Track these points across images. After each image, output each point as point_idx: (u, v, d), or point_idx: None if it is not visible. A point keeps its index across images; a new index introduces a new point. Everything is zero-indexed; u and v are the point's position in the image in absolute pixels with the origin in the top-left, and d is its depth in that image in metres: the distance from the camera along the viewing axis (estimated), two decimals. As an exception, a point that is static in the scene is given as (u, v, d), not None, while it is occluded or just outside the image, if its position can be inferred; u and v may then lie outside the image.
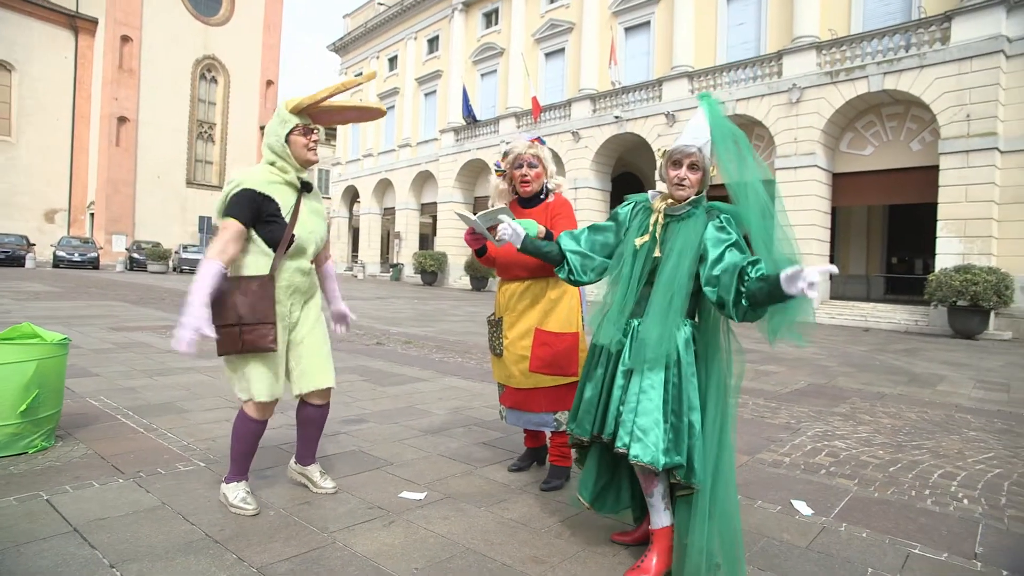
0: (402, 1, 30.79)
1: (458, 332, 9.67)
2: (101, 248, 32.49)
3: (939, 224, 13.37)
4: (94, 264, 28.72)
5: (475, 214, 2.47)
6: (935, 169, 13.55)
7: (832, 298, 16.30)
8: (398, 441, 3.60)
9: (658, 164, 2.20)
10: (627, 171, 23.17)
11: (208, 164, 43.83)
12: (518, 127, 23.83)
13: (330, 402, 2.75)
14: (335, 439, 3.56)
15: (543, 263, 2.76)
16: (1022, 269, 12.57)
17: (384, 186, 32.81)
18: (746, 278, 1.89)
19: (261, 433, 2.56)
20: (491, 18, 26.37)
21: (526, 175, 2.86)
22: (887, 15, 14.98)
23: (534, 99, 22.33)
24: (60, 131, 41.28)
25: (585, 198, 20.83)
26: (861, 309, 15.05)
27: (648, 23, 20.14)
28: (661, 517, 2.09)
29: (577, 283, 2.34)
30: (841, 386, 6.15)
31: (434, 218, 30.11)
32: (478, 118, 25.72)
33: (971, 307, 12.00)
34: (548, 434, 3.15)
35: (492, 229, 2.69)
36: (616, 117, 19.80)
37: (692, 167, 2.08)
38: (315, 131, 2.59)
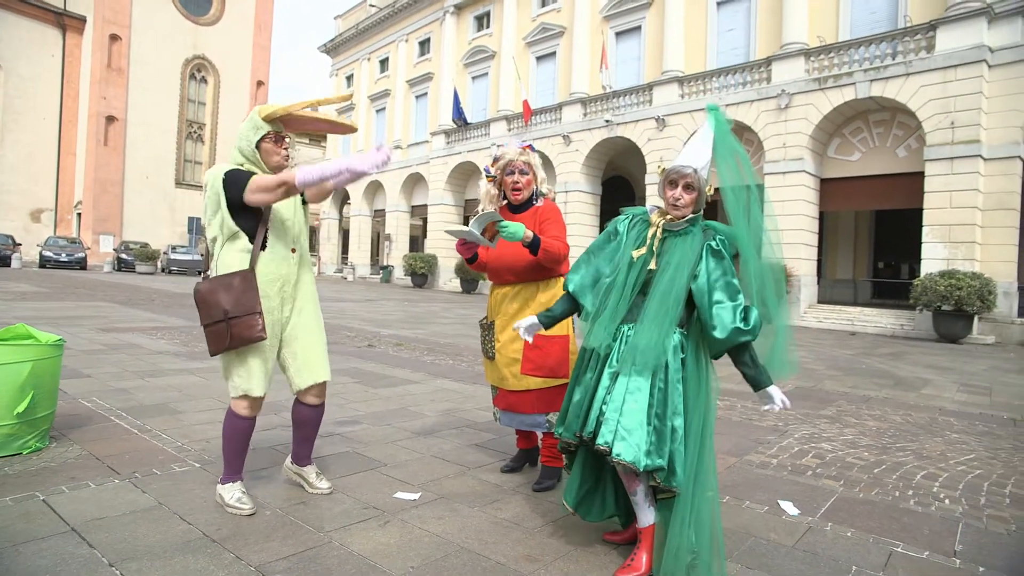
0: (394, 3, 30.76)
1: (449, 334, 9.70)
2: (88, 248, 32.18)
3: (924, 230, 13.55)
4: (81, 264, 28.47)
5: (466, 224, 2.51)
6: (921, 175, 13.74)
7: (819, 302, 16.46)
8: (391, 442, 3.64)
9: (659, 181, 2.28)
10: (617, 175, 23.29)
11: (197, 164, 43.40)
12: (509, 130, 23.87)
13: (325, 402, 2.78)
14: (329, 440, 3.58)
15: (533, 267, 2.82)
16: (1005, 274, 12.78)
17: (374, 188, 32.73)
18: (736, 359, 2.13)
19: (250, 431, 2.58)
20: (483, 21, 26.41)
21: (517, 182, 2.91)
22: (874, 23, 15.18)
23: (525, 102, 22.42)
24: (47, 130, 40.83)
25: (575, 201, 20.92)
26: (848, 313, 15.22)
27: (639, 28, 20.28)
28: (647, 515, 2.15)
29: None
30: (828, 389, 6.24)
31: (424, 220, 30.10)
32: (469, 121, 25.74)
33: (955, 312, 12.18)
34: (540, 435, 3.20)
35: (486, 231, 2.73)
36: (607, 121, 19.90)
37: (687, 187, 2.16)
38: (286, 139, 2.62)
